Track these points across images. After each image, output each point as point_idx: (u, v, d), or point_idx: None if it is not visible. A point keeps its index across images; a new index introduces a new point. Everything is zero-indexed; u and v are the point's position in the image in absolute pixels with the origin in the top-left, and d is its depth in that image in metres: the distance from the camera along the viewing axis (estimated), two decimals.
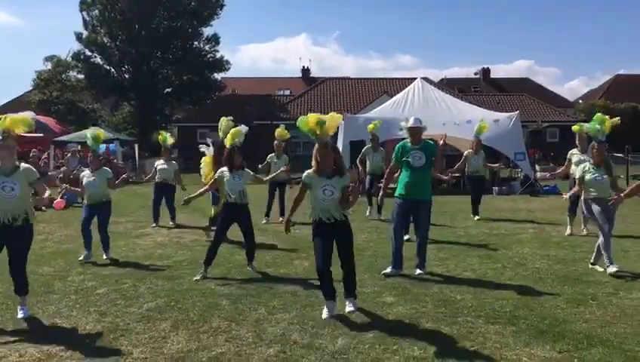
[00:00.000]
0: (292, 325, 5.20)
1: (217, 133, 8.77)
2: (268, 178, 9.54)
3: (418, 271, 6.99)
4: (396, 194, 7.21)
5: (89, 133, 8.78)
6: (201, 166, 9.56)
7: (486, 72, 56.60)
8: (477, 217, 11.79)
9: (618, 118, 8.13)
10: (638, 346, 4.59)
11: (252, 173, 7.70)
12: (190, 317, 5.48)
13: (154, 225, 11.29)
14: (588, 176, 7.23)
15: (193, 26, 43.85)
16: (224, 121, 8.72)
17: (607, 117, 7.74)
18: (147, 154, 31.26)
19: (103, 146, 20.90)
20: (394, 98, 21.11)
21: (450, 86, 42.95)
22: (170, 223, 11.39)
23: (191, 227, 11.14)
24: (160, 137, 11.59)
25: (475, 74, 58.12)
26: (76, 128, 32.33)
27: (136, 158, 28.24)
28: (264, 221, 11.54)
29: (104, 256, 8.03)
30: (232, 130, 7.61)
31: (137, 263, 7.93)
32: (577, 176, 7.43)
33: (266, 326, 5.18)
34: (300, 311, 5.61)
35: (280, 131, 11.98)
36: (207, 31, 45.04)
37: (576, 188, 7.62)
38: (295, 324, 5.22)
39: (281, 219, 11.16)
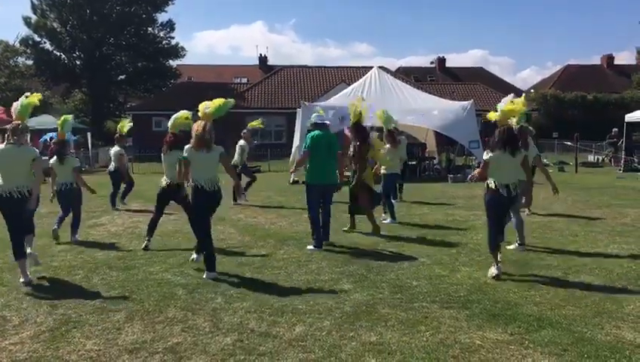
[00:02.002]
0: (249, 313, 5.18)
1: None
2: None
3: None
4: (309, 182, 8.00)
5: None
6: None
7: (441, 61, 57.27)
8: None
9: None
10: (586, 327, 4.75)
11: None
12: (145, 307, 5.39)
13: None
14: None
15: (147, 12, 42.97)
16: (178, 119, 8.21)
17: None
18: (101, 142, 30.56)
19: (54, 134, 20.35)
20: (351, 86, 21.14)
21: (406, 75, 43.36)
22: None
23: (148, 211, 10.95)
24: (120, 124, 12.30)
25: (431, 63, 58.77)
26: None
27: (89, 147, 27.54)
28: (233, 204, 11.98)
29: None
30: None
31: (90, 254, 7.75)
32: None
33: (222, 316, 5.14)
34: (257, 299, 5.60)
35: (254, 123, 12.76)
36: (161, 17, 44.25)
37: None
38: (252, 313, 5.20)
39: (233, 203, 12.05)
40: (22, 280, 6.24)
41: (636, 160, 21.74)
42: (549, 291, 5.78)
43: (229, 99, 6.83)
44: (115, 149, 12.19)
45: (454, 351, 4.32)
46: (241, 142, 12.76)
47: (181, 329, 4.83)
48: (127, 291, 5.92)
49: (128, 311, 5.28)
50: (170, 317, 5.13)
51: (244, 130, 13.00)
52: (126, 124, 12.17)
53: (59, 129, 8.92)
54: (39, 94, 6.72)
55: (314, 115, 8.45)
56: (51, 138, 22.64)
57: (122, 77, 44.99)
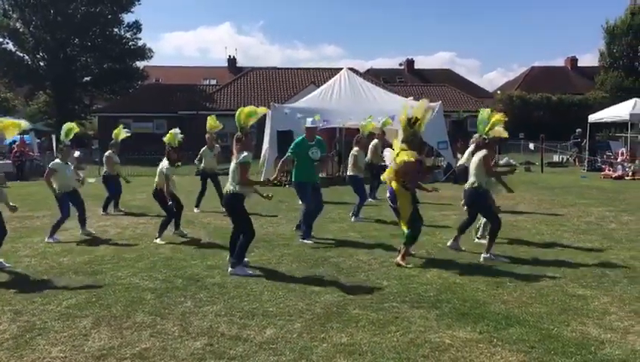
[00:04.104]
0: (219, 317, 5.14)
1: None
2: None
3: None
4: (300, 180, 8.56)
5: None
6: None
7: (410, 63, 57.76)
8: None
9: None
10: (552, 324, 4.83)
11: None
12: (113, 312, 5.30)
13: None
14: None
15: (113, 12, 42.27)
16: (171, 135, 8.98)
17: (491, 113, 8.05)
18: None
19: (17, 137, 19.89)
20: (321, 88, 21.14)
21: (375, 76, 43.55)
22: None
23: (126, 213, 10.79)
24: (115, 131, 12.26)
25: (400, 65, 59.26)
26: None
27: (54, 150, 26.98)
28: (195, 210, 11.50)
29: None
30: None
31: (56, 259, 7.58)
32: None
33: (192, 320, 5.08)
34: (227, 302, 5.55)
35: (211, 122, 11.80)
36: (127, 18, 43.64)
37: None
38: (222, 316, 5.16)
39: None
40: None
41: (599, 160, 22.25)
42: (516, 289, 5.87)
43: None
44: (106, 153, 12.11)
45: (424, 350, 4.35)
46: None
47: (150, 334, 4.76)
48: (93, 296, 5.81)
49: (95, 317, 5.18)
50: (139, 322, 5.05)
51: (207, 135, 12.27)
52: (122, 131, 12.09)
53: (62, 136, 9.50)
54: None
55: (309, 119, 9.09)
56: (15, 141, 22.22)
57: (88, 78, 44.15)
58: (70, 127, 9.83)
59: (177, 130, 9.07)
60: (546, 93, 43.19)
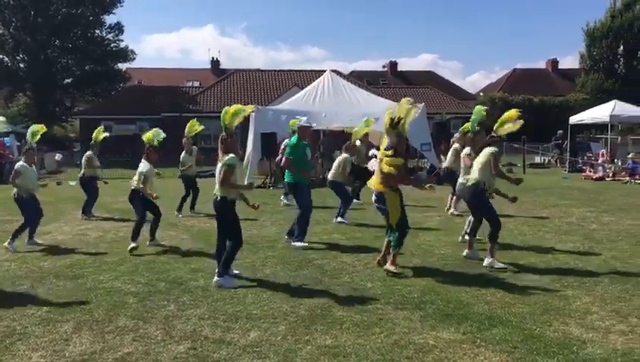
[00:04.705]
0: (203, 320, 5.10)
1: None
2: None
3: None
4: (298, 181, 8.31)
5: None
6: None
7: (393, 65, 57.96)
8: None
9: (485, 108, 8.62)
10: (535, 325, 4.87)
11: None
12: (94, 317, 5.24)
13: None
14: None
15: (94, 14, 41.81)
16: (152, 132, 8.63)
17: (483, 108, 8.32)
18: (46, 148, 29.58)
19: None
20: (304, 90, 21.13)
21: (359, 78, 43.63)
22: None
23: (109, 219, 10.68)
24: (95, 132, 11.81)
25: (383, 67, 59.44)
26: None
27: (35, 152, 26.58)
28: (177, 215, 11.32)
29: None
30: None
31: (36, 263, 7.47)
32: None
33: (175, 323, 5.04)
34: (211, 305, 5.51)
35: (189, 127, 11.61)
36: (109, 19, 43.22)
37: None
38: (206, 319, 5.12)
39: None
40: None
41: (580, 161, 22.50)
42: (499, 290, 5.91)
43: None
44: (86, 154, 11.76)
45: (408, 351, 4.36)
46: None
47: (132, 338, 4.71)
48: (75, 300, 5.73)
49: (76, 322, 5.12)
50: (121, 326, 4.99)
51: (184, 139, 11.84)
52: (101, 132, 11.69)
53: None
54: None
55: (303, 118, 8.89)
56: None
57: (69, 80, 43.62)
58: (37, 129, 9.57)
59: (159, 130, 8.68)
60: (528, 95, 43.58)
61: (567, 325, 4.86)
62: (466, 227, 8.16)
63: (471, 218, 8.04)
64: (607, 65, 41.20)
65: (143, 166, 8.30)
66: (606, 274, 6.48)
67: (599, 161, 20.65)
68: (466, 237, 8.08)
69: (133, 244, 8.01)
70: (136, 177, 8.31)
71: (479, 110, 8.26)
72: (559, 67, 55.91)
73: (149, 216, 8.42)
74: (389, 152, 6.53)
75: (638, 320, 4.95)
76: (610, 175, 19.03)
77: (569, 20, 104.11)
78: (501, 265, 6.80)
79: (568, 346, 4.40)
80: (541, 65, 58.59)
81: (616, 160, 19.99)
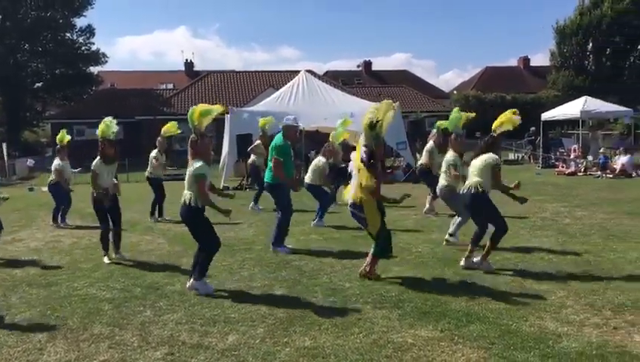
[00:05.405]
0: (180, 325, 5.05)
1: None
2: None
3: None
4: (278, 181, 7.98)
5: None
6: None
7: (368, 64, 58.20)
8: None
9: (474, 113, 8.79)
10: (511, 320, 4.92)
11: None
12: (69, 325, 5.15)
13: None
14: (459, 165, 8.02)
15: (65, 17, 41.26)
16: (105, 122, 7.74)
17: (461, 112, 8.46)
18: (17, 153, 29.07)
19: None
20: (280, 91, 21.09)
21: (334, 78, 43.69)
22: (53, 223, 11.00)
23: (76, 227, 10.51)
24: (59, 135, 11.07)
25: (358, 66, 59.64)
26: None
27: (5, 158, 26.15)
28: (152, 220, 11.15)
29: None
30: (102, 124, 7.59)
31: (8, 271, 7.30)
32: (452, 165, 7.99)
33: (152, 329, 4.98)
34: (188, 310, 5.46)
35: (167, 126, 11.36)
36: (80, 22, 42.66)
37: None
38: (183, 324, 5.07)
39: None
40: None
41: (553, 157, 22.82)
42: (475, 287, 5.97)
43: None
44: (54, 163, 11.13)
45: (387, 350, 4.37)
46: (153, 152, 11.53)
47: (108, 345, 4.64)
48: (49, 309, 5.63)
49: (50, 330, 5.02)
50: (96, 333, 4.92)
51: (159, 138, 11.54)
52: (65, 135, 10.94)
53: None
54: None
55: (290, 117, 8.33)
56: None
57: (39, 84, 42.98)
58: (62, 135, 9.37)
59: (112, 119, 7.68)
60: (501, 92, 44.12)
61: (543, 319, 4.92)
62: (451, 228, 8.13)
63: (456, 218, 8.05)
64: (577, 62, 41.85)
65: (95, 162, 7.55)
66: (580, 268, 6.59)
67: (571, 157, 20.97)
68: (451, 239, 8.01)
69: (106, 260, 7.59)
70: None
71: (456, 113, 8.42)
72: (530, 64, 56.74)
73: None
74: (366, 164, 6.12)
75: (611, 313, 5.04)
76: (582, 170, 19.35)
77: (538, 17, 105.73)
78: (492, 268, 6.57)
79: (544, 340, 4.46)
80: (513, 62, 59.48)
81: (589, 156, 20.32)
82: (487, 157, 6.71)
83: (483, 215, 6.78)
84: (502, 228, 6.59)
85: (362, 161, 6.15)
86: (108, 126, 7.57)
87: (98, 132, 7.65)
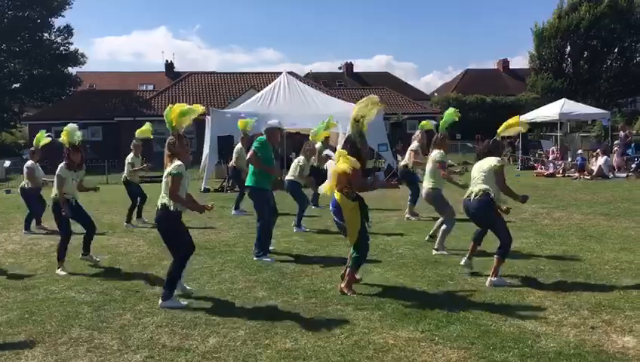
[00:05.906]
0: (160, 328, 5.01)
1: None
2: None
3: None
4: (264, 187, 7.70)
5: None
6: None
7: (349, 66, 58.43)
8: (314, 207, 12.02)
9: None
10: (491, 320, 4.96)
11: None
12: (47, 329, 5.08)
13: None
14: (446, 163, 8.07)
15: (42, 17, 40.75)
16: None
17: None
18: None
19: None
20: (261, 92, 21.05)
21: (315, 80, 43.73)
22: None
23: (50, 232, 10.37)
24: (37, 136, 10.33)
25: (339, 68, 59.87)
26: None
27: None
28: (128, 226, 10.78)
29: None
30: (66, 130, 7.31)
31: None
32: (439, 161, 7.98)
33: (132, 332, 4.93)
34: (168, 313, 5.41)
35: (142, 129, 11.23)
36: (58, 22, 42.16)
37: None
38: (164, 327, 5.03)
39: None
40: None
41: (532, 158, 23.09)
42: (456, 287, 6.01)
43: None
44: (26, 164, 10.62)
45: (368, 351, 4.38)
46: (129, 157, 11.27)
47: (87, 349, 4.58)
48: (26, 312, 5.55)
49: (28, 334, 4.95)
50: (75, 337, 4.86)
51: (134, 141, 11.36)
52: (43, 137, 10.13)
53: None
54: None
55: (274, 121, 8.13)
56: None
57: (17, 85, 42.41)
58: (40, 136, 9.14)
59: (74, 125, 7.39)
60: (481, 95, 44.56)
61: (522, 319, 4.97)
62: (435, 228, 8.17)
63: (441, 219, 8.06)
64: (555, 65, 42.38)
65: (59, 168, 7.29)
66: (558, 269, 6.67)
67: (550, 158, 21.24)
68: (437, 253, 7.66)
69: (60, 272, 7.13)
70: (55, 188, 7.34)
71: (452, 113, 8.51)
72: (510, 67, 57.39)
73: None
74: (346, 151, 5.81)
75: (589, 313, 5.10)
76: (561, 171, 19.60)
77: (517, 20, 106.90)
78: (509, 282, 6.13)
79: (523, 340, 4.50)
80: (492, 65, 60.00)
81: (570, 158, 20.59)
82: (491, 158, 6.44)
83: (488, 225, 6.36)
84: (506, 241, 6.10)
85: (343, 148, 5.89)
86: (69, 133, 7.28)
87: (61, 139, 7.36)
